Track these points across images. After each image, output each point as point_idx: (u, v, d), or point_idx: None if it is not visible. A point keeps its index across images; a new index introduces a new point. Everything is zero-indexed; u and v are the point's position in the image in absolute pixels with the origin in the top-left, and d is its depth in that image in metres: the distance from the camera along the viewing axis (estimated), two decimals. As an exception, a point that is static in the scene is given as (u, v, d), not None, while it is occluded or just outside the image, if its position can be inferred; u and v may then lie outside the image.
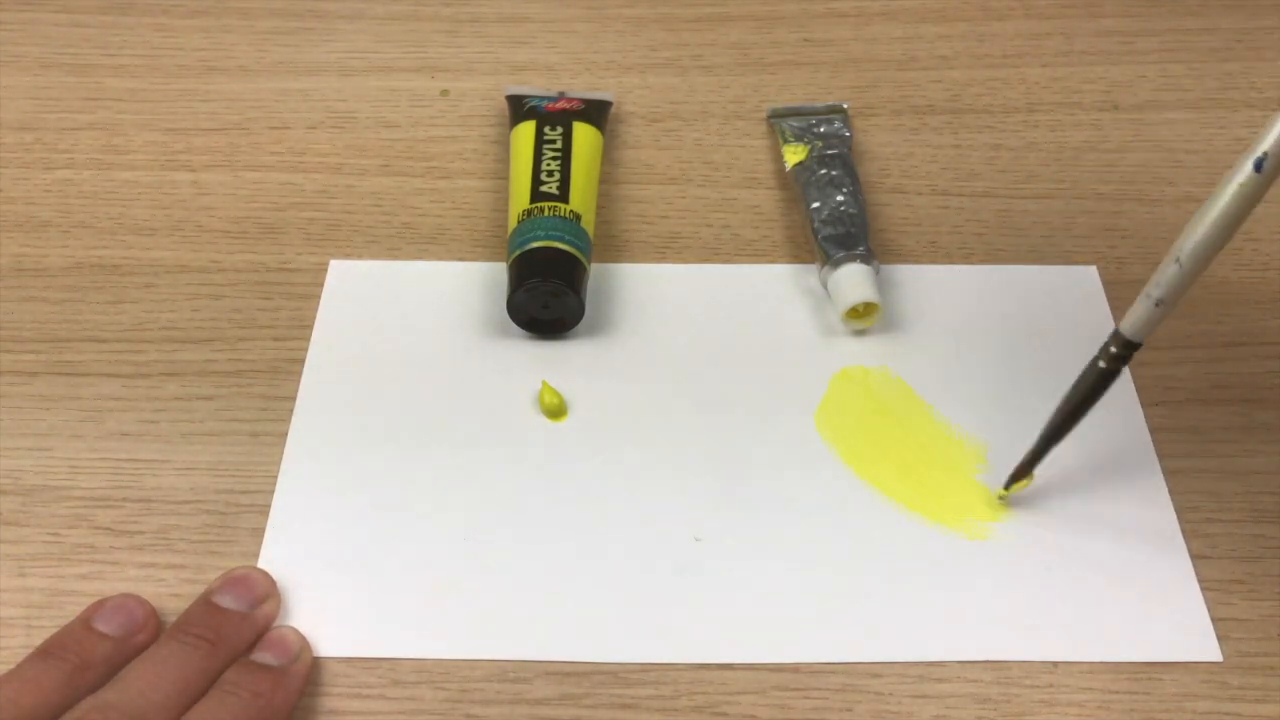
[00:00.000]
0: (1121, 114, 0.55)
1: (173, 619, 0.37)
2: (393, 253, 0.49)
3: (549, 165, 0.48)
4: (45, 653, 0.35)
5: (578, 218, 0.46)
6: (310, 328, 0.46)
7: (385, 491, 0.41)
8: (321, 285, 0.47)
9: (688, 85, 0.57)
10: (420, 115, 0.55)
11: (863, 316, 0.46)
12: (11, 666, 0.35)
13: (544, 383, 0.44)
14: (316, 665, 0.37)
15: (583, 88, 0.56)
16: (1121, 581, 0.39)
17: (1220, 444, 0.43)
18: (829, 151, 0.51)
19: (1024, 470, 0.40)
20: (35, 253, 0.49)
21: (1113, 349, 0.35)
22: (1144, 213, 0.51)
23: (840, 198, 0.48)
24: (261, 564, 0.39)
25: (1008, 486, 0.40)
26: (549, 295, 0.44)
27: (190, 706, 0.34)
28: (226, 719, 0.34)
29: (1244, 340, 0.46)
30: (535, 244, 0.45)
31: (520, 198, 0.47)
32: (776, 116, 0.54)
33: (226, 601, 0.37)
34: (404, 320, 0.46)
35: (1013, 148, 0.54)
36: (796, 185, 0.50)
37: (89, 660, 0.35)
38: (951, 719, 0.36)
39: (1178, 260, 0.33)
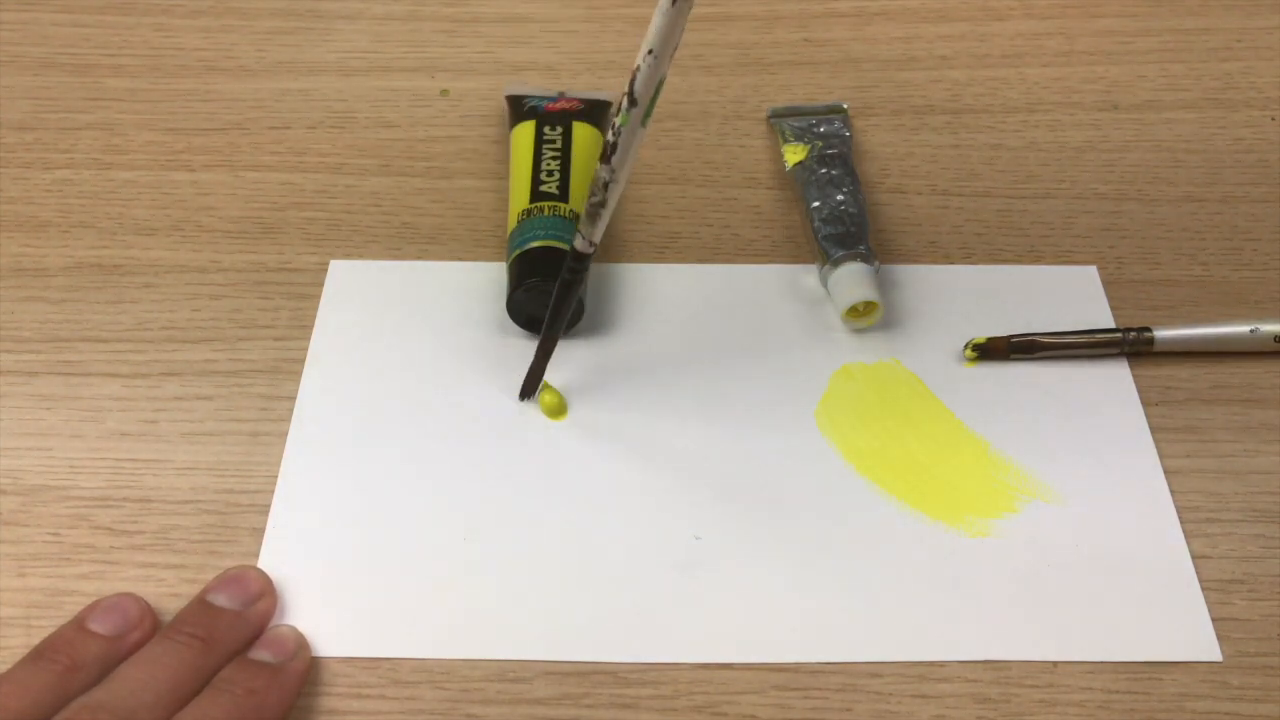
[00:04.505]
0: (1121, 114, 0.55)
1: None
2: (393, 253, 0.49)
3: (549, 165, 0.48)
4: (37, 655, 0.35)
5: (578, 217, 0.46)
6: (310, 328, 0.46)
7: (385, 491, 0.41)
8: (321, 285, 0.47)
9: (688, 85, 0.57)
10: (420, 115, 0.55)
11: (863, 316, 0.46)
12: (11, 667, 0.35)
13: (544, 382, 0.44)
14: (316, 665, 0.37)
15: (583, 88, 0.56)
16: (1121, 581, 0.39)
17: (1220, 444, 0.43)
18: (829, 151, 0.51)
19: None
20: (35, 253, 0.49)
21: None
22: (1144, 213, 0.51)
23: (840, 197, 0.48)
24: (261, 564, 0.39)
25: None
26: (549, 295, 0.44)
27: (183, 705, 0.34)
28: (220, 716, 0.34)
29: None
30: (535, 243, 0.45)
31: (520, 197, 0.47)
32: (776, 116, 0.54)
33: (221, 600, 0.37)
34: (404, 320, 0.46)
35: (1013, 148, 0.54)
36: (796, 185, 0.50)
37: (80, 661, 0.35)
38: (951, 719, 0.36)
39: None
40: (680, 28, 0.32)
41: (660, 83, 0.33)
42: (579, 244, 0.38)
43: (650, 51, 0.32)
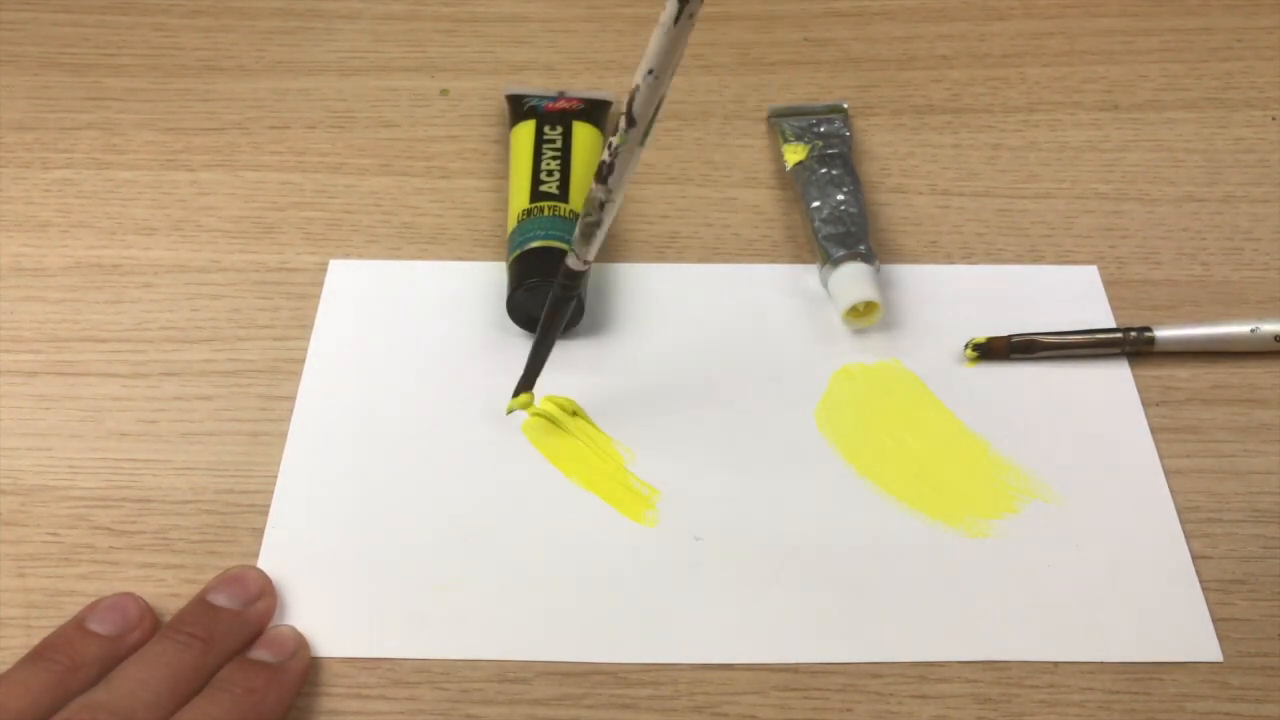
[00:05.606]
0: (1121, 114, 0.55)
1: (172, 619, 0.37)
2: (393, 253, 0.49)
3: (549, 165, 0.48)
4: (36, 655, 0.35)
5: (577, 218, 0.46)
6: (310, 328, 0.46)
7: (385, 491, 0.41)
8: (321, 285, 0.47)
9: (688, 85, 0.57)
10: (420, 115, 0.55)
11: (863, 316, 0.46)
12: (11, 667, 0.35)
13: (530, 394, 0.43)
14: (316, 665, 0.37)
15: (583, 87, 0.56)
16: (1121, 581, 0.39)
17: (1221, 444, 0.43)
18: (829, 151, 0.51)
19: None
20: (35, 253, 0.49)
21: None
22: (1144, 212, 0.51)
23: (840, 197, 0.48)
24: (261, 564, 0.39)
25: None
26: (548, 295, 0.44)
27: (183, 704, 0.34)
28: (219, 715, 0.34)
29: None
30: (535, 244, 0.45)
31: (520, 197, 0.47)
32: (777, 116, 0.54)
33: (221, 600, 0.37)
34: (403, 320, 0.46)
35: (1013, 148, 0.54)
36: (797, 185, 0.50)
37: (80, 661, 0.35)
38: (951, 719, 0.36)
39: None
40: (682, 47, 0.31)
41: (660, 102, 0.32)
42: (572, 262, 0.37)
43: (650, 71, 0.31)
